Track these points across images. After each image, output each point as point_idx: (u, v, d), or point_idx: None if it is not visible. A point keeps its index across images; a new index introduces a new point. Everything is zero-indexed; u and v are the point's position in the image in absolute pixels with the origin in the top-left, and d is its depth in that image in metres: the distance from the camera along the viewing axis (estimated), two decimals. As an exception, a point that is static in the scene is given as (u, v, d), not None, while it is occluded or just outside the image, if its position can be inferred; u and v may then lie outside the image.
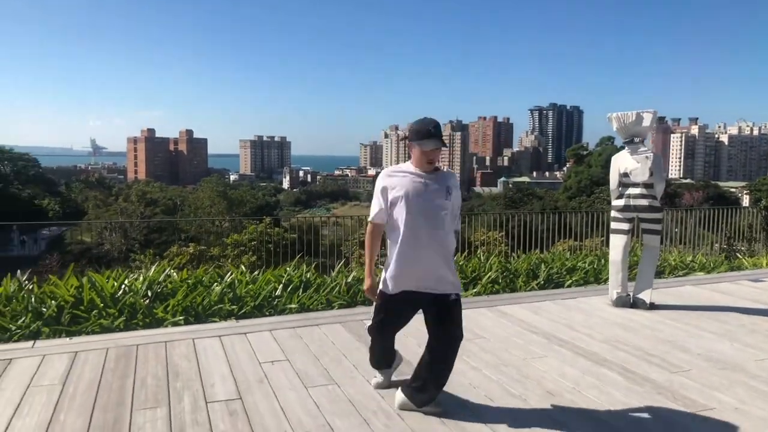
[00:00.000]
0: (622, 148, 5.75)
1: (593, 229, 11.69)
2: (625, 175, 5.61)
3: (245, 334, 4.68)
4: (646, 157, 5.50)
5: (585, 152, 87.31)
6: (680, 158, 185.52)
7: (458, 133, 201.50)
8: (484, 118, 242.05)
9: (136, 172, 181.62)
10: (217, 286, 5.80)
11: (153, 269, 6.15)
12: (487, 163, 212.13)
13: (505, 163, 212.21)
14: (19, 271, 5.88)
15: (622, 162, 5.64)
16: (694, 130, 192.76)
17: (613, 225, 5.77)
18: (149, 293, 5.53)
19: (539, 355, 4.29)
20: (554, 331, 4.89)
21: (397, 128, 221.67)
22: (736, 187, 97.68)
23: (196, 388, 3.59)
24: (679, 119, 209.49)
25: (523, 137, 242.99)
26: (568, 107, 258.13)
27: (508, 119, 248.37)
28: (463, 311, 5.50)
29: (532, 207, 56.13)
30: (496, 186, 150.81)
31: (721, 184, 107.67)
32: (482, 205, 70.69)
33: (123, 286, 5.55)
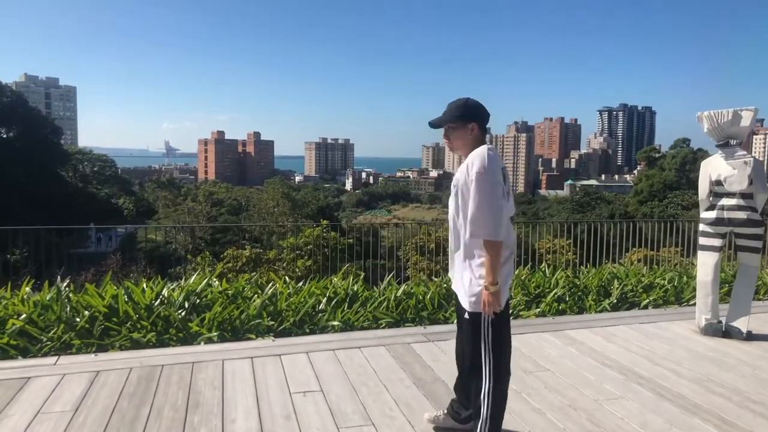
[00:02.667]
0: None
1: (667, 237, 10.73)
2: (718, 183, 4.83)
3: (280, 356, 4.26)
4: (745, 162, 4.71)
5: (657, 155, 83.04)
6: (764, 161, 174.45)
7: (523, 135, 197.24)
8: (551, 119, 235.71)
9: (206, 172, 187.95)
10: (257, 298, 5.43)
11: (193, 278, 5.86)
12: (553, 165, 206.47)
13: (572, 166, 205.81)
14: (59, 277, 5.72)
15: (715, 168, 4.86)
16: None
17: (702, 240, 4.99)
18: (186, 305, 5.22)
19: (615, 396, 3.64)
20: (632, 365, 4.21)
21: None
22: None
23: (215, 424, 3.18)
24: (763, 119, 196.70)
25: (591, 139, 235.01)
26: (639, 108, 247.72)
27: (576, 120, 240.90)
28: (525, 336, 4.97)
29: (601, 211, 53.86)
30: (563, 189, 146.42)
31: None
32: (548, 208, 68.61)
33: (160, 296, 5.27)
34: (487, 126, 2.88)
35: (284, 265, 13.78)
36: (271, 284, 5.79)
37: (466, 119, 2.78)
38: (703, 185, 4.97)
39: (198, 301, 5.33)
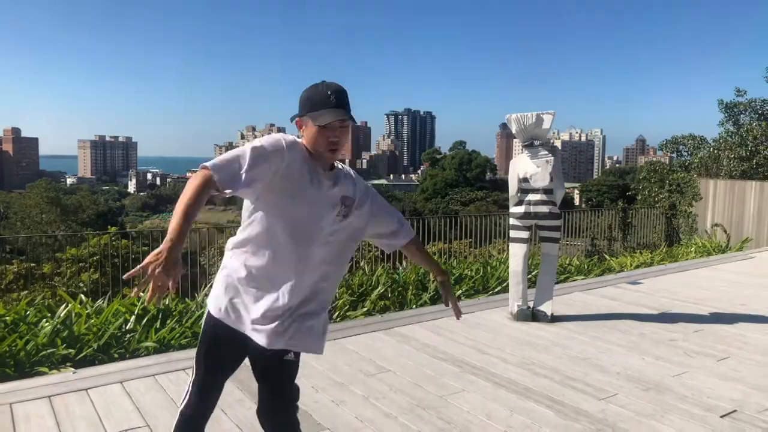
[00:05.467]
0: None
1: (451, 230, 11.69)
2: (525, 180, 5.27)
3: (86, 390, 3.58)
4: (546, 161, 5.20)
5: (439, 156, 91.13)
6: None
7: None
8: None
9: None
10: (46, 323, 4.54)
11: (-46, 305, 4.71)
12: (347, 165, 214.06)
13: (364, 166, 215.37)
14: None
15: (522, 167, 5.29)
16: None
17: (513, 233, 5.41)
18: (-53, 339, 4.15)
19: (456, 390, 3.71)
20: (464, 356, 4.36)
21: (254, 129, 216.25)
22: (569, 188, 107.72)
23: (10, 490, 2.51)
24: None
25: (380, 141, 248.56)
26: (421, 112, 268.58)
27: (366, 123, 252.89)
28: (360, 337, 4.88)
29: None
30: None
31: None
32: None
33: None
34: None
35: (65, 280, 12.05)
36: (64, 305, 4.90)
37: (300, 112, 2.06)
38: (512, 182, 5.38)
39: (-36, 332, 4.28)
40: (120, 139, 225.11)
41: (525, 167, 5.26)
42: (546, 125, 5.19)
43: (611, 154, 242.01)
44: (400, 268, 7.30)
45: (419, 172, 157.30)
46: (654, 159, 20.46)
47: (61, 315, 4.67)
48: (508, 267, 7.05)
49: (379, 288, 6.22)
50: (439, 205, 66.57)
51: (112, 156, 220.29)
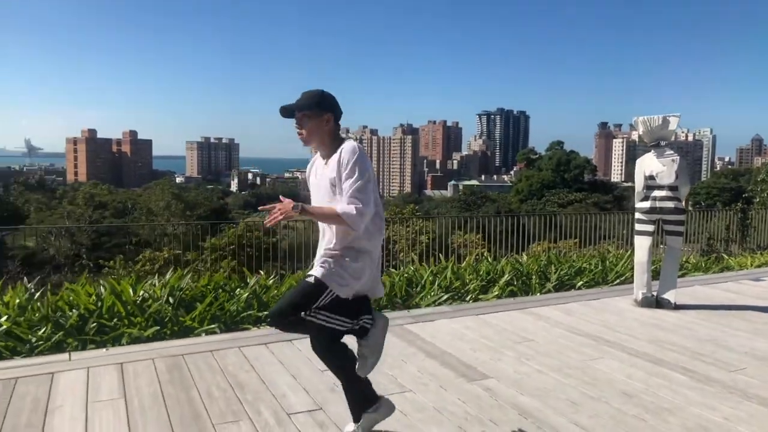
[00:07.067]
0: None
1: (547, 232, 12.00)
2: (651, 177, 5.72)
3: (290, 341, 4.49)
4: (672, 160, 5.62)
5: (535, 156, 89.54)
6: (621, 162, 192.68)
7: (409, 137, 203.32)
8: (434, 122, 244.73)
9: (76, 174, 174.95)
10: (240, 291, 5.58)
11: (169, 275, 5.86)
12: (437, 166, 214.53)
13: (455, 167, 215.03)
14: (25, 278, 5.49)
15: (648, 165, 5.74)
16: (635, 136, 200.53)
17: (638, 227, 5.87)
18: (171, 300, 5.26)
19: (596, 357, 4.30)
20: (597, 333, 4.92)
21: (347, 131, 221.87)
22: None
23: (269, 400, 3.41)
24: (621, 124, 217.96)
25: (472, 141, 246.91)
26: (515, 112, 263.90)
27: (457, 123, 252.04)
28: (498, 314, 5.56)
29: (487, 209, 57.08)
30: (446, 189, 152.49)
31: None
32: (437, 208, 71.36)
33: (143, 293, 5.27)
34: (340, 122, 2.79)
35: (207, 266, 13.59)
36: (254, 278, 5.95)
37: (322, 109, 2.69)
38: (638, 179, 5.84)
39: (180, 296, 5.38)
40: (223, 140, 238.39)
41: (651, 166, 5.71)
42: (672, 126, 5.61)
43: (722, 155, 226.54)
44: (521, 260, 7.87)
45: (512, 173, 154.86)
46: (773, 160, 19.46)
47: (252, 285, 5.70)
48: (626, 263, 7.48)
49: (506, 276, 6.85)
50: (535, 206, 65.61)
51: (216, 156, 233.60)
